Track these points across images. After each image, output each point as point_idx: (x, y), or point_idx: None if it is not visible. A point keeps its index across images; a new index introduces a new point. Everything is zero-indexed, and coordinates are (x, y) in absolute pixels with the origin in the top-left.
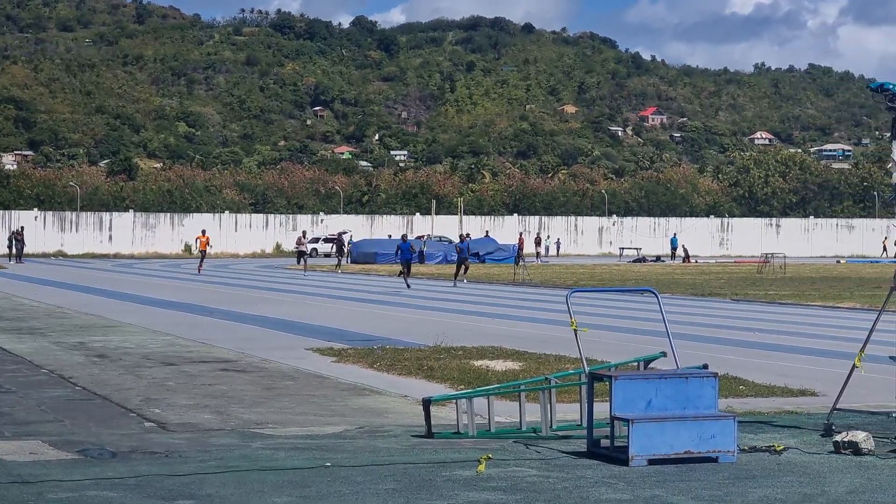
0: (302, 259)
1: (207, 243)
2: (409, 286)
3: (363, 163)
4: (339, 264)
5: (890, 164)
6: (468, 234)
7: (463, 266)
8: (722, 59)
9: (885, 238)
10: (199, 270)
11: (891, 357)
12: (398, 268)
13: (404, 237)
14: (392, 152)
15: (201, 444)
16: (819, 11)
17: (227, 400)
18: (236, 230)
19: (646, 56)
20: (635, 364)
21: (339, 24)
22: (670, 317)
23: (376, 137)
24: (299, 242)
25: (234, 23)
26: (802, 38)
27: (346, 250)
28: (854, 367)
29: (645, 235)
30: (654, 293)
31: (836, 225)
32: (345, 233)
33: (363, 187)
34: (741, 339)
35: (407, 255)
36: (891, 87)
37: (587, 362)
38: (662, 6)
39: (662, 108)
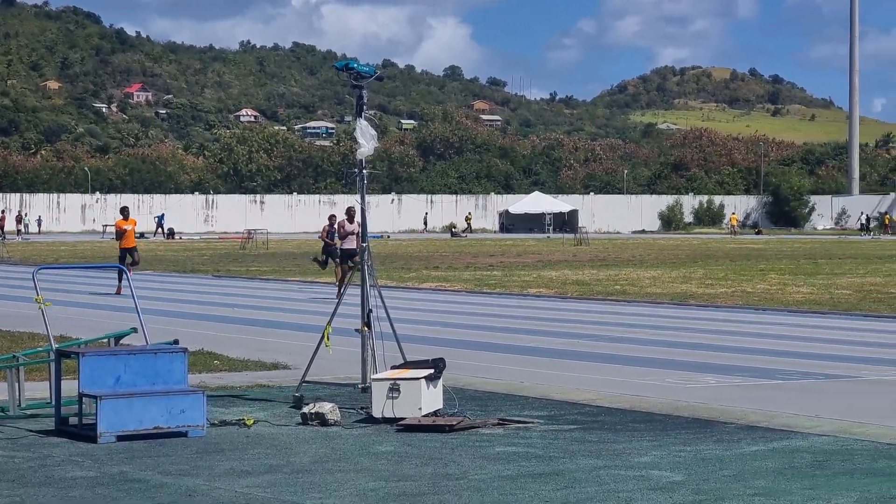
0: None
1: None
2: None
3: None
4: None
5: (354, 143)
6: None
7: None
8: (207, 37)
9: (468, 215)
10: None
11: (356, 329)
12: None
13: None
14: None
15: None
16: None
17: None
18: None
19: (130, 32)
20: (106, 341)
21: None
22: (151, 293)
23: None
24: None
25: None
26: (287, 17)
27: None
28: (322, 339)
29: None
30: (121, 269)
31: (319, 201)
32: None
33: None
34: (221, 314)
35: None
36: (355, 65)
37: (59, 339)
38: None
39: (148, 84)
